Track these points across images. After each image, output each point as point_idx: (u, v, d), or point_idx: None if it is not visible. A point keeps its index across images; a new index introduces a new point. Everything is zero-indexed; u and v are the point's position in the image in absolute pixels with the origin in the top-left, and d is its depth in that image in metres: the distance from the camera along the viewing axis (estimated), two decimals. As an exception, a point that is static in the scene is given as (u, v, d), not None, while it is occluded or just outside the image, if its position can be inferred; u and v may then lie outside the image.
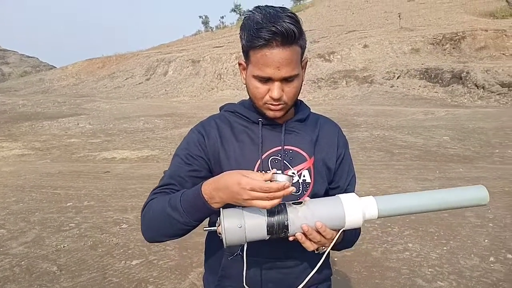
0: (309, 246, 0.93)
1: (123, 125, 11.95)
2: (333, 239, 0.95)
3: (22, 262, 3.39)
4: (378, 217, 0.97)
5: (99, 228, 4.15)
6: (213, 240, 1.19)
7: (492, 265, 3.12)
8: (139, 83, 25.67)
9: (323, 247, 0.97)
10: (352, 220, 0.94)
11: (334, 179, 1.18)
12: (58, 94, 25.50)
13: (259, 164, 1.07)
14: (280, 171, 1.05)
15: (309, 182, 1.10)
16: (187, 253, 3.53)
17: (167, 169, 1.12)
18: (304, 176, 1.10)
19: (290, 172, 1.09)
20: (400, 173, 5.85)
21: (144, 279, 3.08)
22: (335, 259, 3.32)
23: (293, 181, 1.07)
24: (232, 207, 0.93)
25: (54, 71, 37.90)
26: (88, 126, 12.03)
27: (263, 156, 1.08)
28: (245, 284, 1.01)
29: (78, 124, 12.40)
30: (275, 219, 0.90)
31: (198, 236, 3.83)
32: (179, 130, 10.60)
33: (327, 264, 1.23)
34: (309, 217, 0.92)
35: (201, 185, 0.93)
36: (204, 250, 1.29)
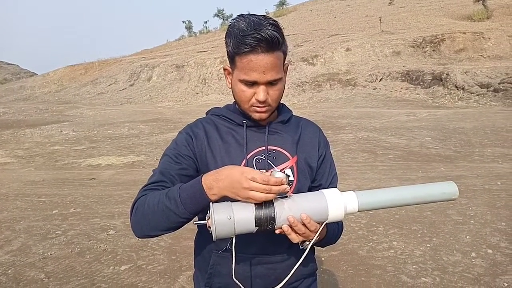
0: (295, 238, 0.98)
1: (108, 131, 11.85)
2: (317, 231, 0.99)
3: (9, 271, 3.36)
4: (358, 211, 1.03)
5: (86, 234, 4.13)
6: (202, 238, 1.23)
7: (473, 260, 3.23)
8: (123, 89, 25.49)
9: (307, 242, 1.02)
10: (335, 212, 0.99)
11: (316, 178, 1.24)
12: (40, 101, 25.12)
13: (244, 164, 1.12)
14: (278, 170, 1.11)
15: (292, 180, 1.16)
16: (175, 257, 3.54)
17: (155, 168, 1.16)
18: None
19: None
20: (384, 173, 5.97)
21: (133, 284, 3.09)
22: (322, 258, 3.38)
23: (289, 179, 1.13)
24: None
25: (35, 78, 37.34)
26: (72, 133, 11.89)
27: (248, 156, 1.13)
28: (234, 277, 1.05)
29: (61, 131, 12.24)
30: (263, 211, 0.94)
31: (186, 240, 3.86)
32: (164, 136, 10.57)
33: (312, 258, 1.28)
34: (294, 210, 0.97)
35: (201, 176, 0.98)
36: (193, 249, 1.32)
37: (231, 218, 0.92)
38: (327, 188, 1.22)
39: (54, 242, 3.95)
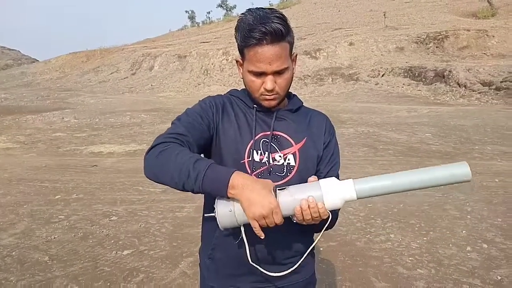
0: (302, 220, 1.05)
1: (109, 119, 11.89)
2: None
3: (13, 253, 3.43)
4: (357, 198, 1.05)
5: (89, 220, 4.19)
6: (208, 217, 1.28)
7: (469, 254, 3.29)
8: (125, 78, 25.44)
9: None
10: (331, 202, 1.03)
11: (318, 164, 1.27)
12: (42, 88, 25.10)
13: (252, 144, 1.20)
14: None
15: (293, 166, 1.22)
16: (177, 243, 3.61)
17: (177, 117, 1.21)
18: (289, 159, 1.22)
19: (277, 156, 1.20)
20: (384, 168, 6.02)
21: (136, 268, 3.16)
22: (321, 248, 3.45)
23: (290, 164, 1.22)
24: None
25: (36, 65, 37.23)
26: (74, 120, 11.93)
27: (255, 138, 1.20)
28: (251, 261, 1.11)
29: (63, 118, 12.28)
30: None
31: (188, 227, 3.93)
32: (166, 125, 10.59)
33: (308, 234, 1.30)
34: (290, 201, 1.02)
35: (235, 171, 1.00)
36: (201, 224, 1.38)
37: (231, 211, 0.99)
38: (326, 175, 1.27)
39: (58, 227, 4.02)
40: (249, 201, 0.96)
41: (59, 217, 4.29)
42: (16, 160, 7.07)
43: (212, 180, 0.99)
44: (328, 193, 1.03)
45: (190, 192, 1.05)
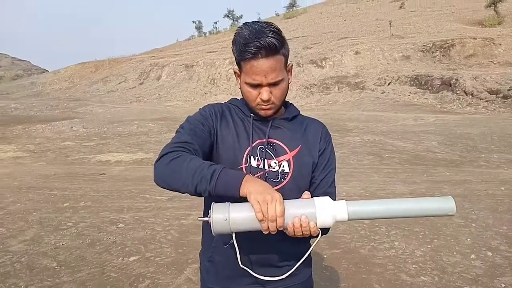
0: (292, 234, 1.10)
1: (117, 128, 12.03)
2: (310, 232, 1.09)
3: (22, 259, 3.50)
4: (348, 220, 1.10)
5: (97, 227, 4.26)
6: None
7: (473, 261, 3.30)
8: (133, 87, 25.75)
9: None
10: (323, 220, 1.08)
11: (313, 171, 1.32)
12: (51, 97, 25.48)
13: (249, 150, 1.25)
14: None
15: (288, 172, 1.27)
16: (182, 250, 3.66)
17: (181, 125, 1.28)
18: (283, 166, 1.27)
19: (272, 162, 1.26)
20: (389, 176, 6.03)
21: (142, 274, 3.21)
22: (324, 256, 3.47)
23: (284, 171, 1.27)
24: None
25: (46, 75, 37.83)
26: (82, 129, 12.09)
27: (253, 145, 1.26)
28: (242, 264, 1.15)
29: (72, 127, 12.45)
30: None
31: (193, 235, 3.98)
32: (173, 134, 10.67)
33: (304, 240, 1.32)
34: (285, 215, 1.06)
35: (246, 174, 1.08)
36: (201, 228, 1.43)
37: (226, 220, 1.04)
38: (320, 181, 1.31)
39: (66, 233, 4.09)
40: (257, 189, 1.01)
41: (67, 224, 4.36)
42: (25, 169, 7.19)
43: (227, 179, 1.05)
44: (321, 212, 1.08)
45: (198, 196, 1.09)
